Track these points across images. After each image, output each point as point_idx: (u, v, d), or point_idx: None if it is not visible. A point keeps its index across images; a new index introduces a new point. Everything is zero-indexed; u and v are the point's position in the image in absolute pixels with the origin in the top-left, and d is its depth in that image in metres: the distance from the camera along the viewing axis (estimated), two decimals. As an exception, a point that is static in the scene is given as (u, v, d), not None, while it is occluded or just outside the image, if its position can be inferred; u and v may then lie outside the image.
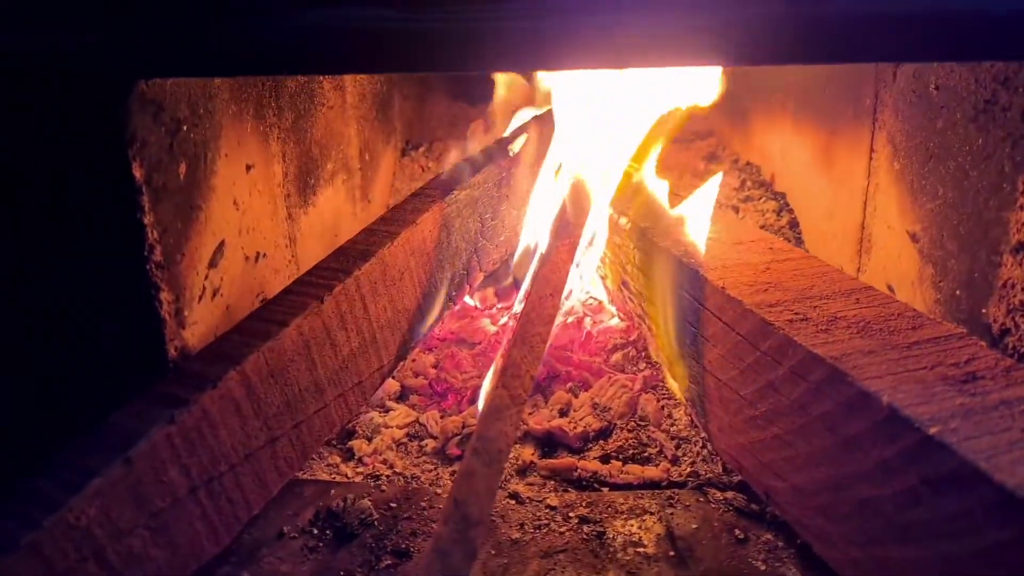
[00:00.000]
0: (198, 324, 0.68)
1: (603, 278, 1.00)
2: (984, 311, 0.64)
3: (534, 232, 0.99)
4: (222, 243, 0.72)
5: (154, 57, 0.55)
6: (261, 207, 0.81)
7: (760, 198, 1.19)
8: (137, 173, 0.58)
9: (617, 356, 0.95)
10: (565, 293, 0.81)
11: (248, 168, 0.78)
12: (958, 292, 0.68)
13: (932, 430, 0.50)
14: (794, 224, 1.12)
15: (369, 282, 0.76)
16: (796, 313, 0.65)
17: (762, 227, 1.12)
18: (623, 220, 0.89)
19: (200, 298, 0.68)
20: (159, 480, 0.57)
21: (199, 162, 0.68)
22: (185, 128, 0.65)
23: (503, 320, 1.01)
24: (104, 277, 0.61)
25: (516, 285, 1.01)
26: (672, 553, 0.66)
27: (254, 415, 0.65)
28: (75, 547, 0.52)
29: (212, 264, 0.70)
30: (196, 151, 0.67)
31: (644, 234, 0.84)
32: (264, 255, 0.82)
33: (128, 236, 0.59)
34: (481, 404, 0.79)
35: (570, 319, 1.01)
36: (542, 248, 0.91)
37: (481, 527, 0.48)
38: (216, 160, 0.71)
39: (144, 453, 0.56)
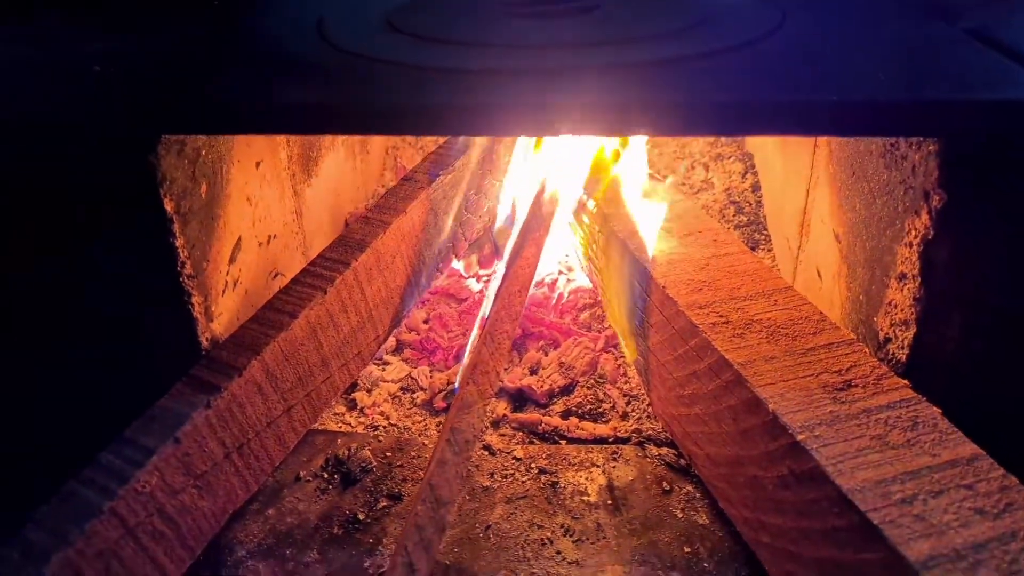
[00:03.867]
0: (223, 315, 0.81)
1: (575, 248, 1.11)
2: (875, 319, 0.77)
3: (513, 202, 1.10)
4: (239, 239, 0.84)
5: (177, 117, 0.65)
6: (271, 195, 0.92)
7: (730, 157, 1.28)
8: (168, 207, 0.70)
9: (585, 315, 1.08)
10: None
11: (258, 165, 0.89)
12: (861, 297, 0.81)
13: (800, 436, 0.64)
14: (756, 187, 1.22)
15: (365, 269, 0.88)
16: (720, 316, 0.78)
17: (727, 189, 1.23)
18: (591, 204, 1.00)
19: (224, 292, 0.81)
20: (201, 450, 0.73)
21: (216, 177, 0.79)
22: (204, 152, 0.76)
23: (485, 279, 1.14)
24: (147, 290, 0.74)
25: (496, 251, 1.13)
26: (610, 501, 0.83)
27: (273, 391, 0.80)
28: (143, 507, 0.68)
29: (232, 260, 0.83)
30: (214, 168, 0.78)
31: (606, 220, 0.95)
32: (275, 236, 0.94)
33: (164, 257, 0.72)
34: (459, 377, 0.93)
35: (547, 278, 1.14)
36: (521, 217, 1.02)
37: (451, 506, 0.63)
38: (230, 169, 0.82)
39: (188, 433, 0.71)
